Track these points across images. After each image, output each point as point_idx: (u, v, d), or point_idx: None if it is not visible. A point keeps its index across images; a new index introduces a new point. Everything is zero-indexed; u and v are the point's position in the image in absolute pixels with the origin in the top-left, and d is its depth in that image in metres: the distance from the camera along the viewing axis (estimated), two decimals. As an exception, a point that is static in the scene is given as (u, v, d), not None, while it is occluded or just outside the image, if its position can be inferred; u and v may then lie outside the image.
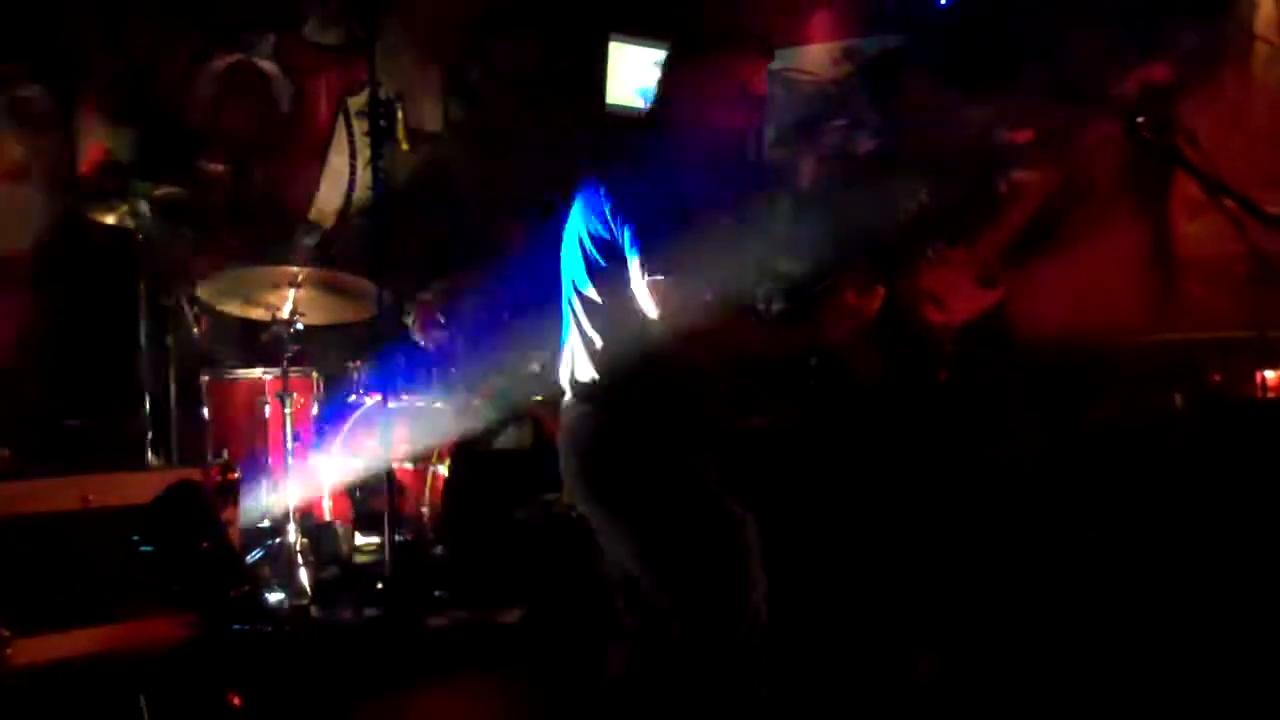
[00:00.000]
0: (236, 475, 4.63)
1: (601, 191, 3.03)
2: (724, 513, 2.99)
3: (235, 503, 4.57)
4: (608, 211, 2.99)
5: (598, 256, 3.02)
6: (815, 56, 7.29)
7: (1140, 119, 3.11)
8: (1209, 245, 5.13)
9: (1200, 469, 4.11)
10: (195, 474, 4.42)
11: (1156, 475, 4.19)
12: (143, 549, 4.03)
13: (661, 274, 2.88)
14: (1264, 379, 4.56)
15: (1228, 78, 5.65)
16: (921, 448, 4.00)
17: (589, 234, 3.04)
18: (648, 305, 2.91)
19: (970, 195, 4.36)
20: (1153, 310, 4.69)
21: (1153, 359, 4.66)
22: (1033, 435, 4.18)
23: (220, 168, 5.91)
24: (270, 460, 5.27)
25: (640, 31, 6.93)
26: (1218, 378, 4.69)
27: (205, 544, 4.05)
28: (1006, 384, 4.26)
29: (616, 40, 6.92)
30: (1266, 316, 4.43)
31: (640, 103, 7.18)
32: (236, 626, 3.95)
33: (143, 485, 4.18)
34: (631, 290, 2.93)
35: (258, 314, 5.19)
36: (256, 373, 5.42)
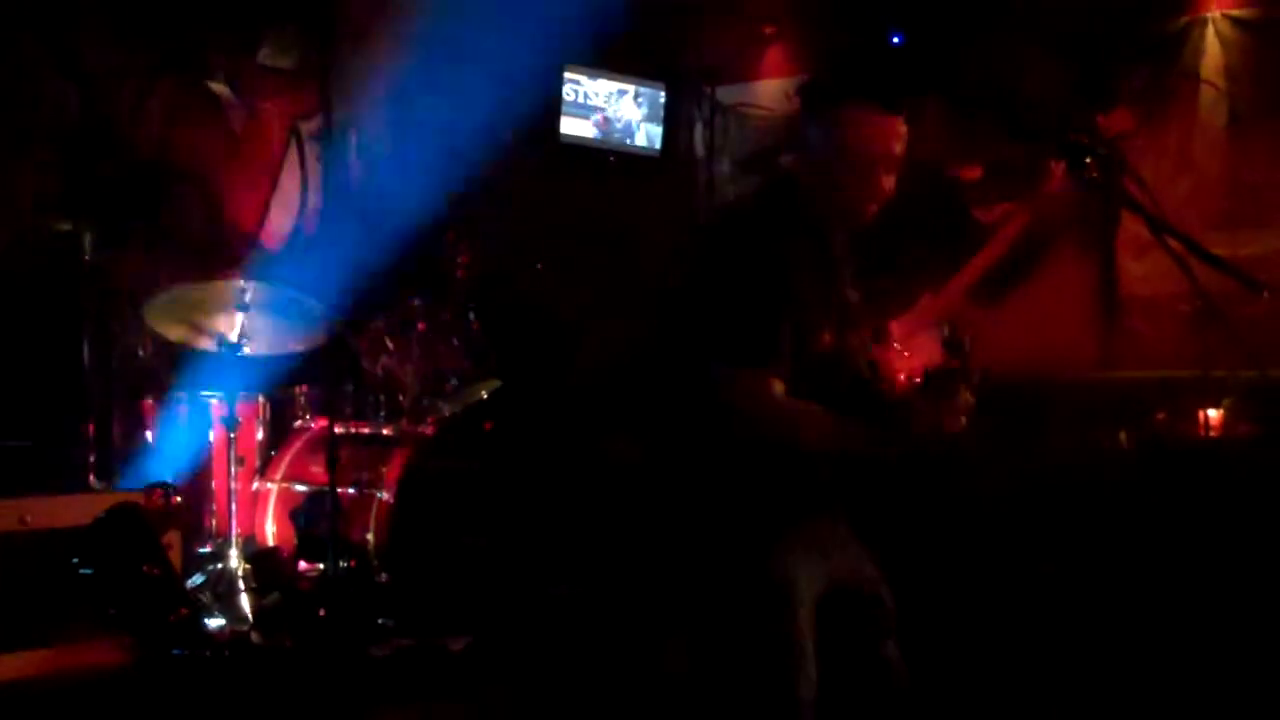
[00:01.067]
0: (178, 499, 4.58)
1: None
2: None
3: (177, 526, 4.51)
4: None
5: None
6: (769, 91, 7.42)
7: (1087, 159, 3.15)
8: (1154, 284, 5.23)
9: (1145, 506, 4.16)
10: (136, 497, 4.38)
11: (1104, 512, 4.22)
12: (82, 572, 3.98)
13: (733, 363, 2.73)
14: (1206, 417, 4.64)
15: (1173, 120, 5.79)
16: (884, 483, 3.99)
17: None
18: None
19: (935, 236, 4.38)
20: (1099, 348, 4.76)
21: (1098, 397, 4.72)
22: (984, 471, 4.20)
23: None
24: (214, 484, 5.21)
25: (597, 62, 6.96)
26: (1161, 416, 4.76)
27: (145, 568, 4.01)
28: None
29: (573, 70, 6.96)
30: (1210, 355, 4.51)
31: (594, 134, 7.24)
32: (176, 651, 3.91)
33: (82, 507, 4.14)
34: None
35: (204, 340, 5.13)
36: (202, 395, 5.36)
